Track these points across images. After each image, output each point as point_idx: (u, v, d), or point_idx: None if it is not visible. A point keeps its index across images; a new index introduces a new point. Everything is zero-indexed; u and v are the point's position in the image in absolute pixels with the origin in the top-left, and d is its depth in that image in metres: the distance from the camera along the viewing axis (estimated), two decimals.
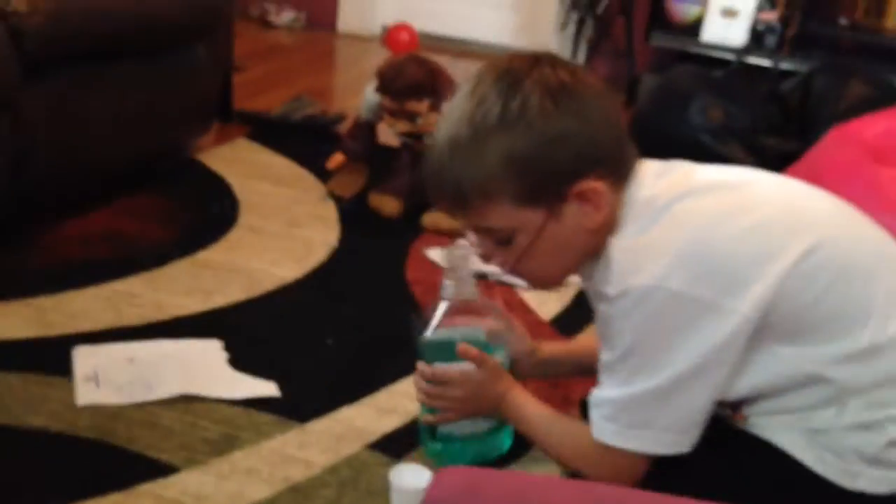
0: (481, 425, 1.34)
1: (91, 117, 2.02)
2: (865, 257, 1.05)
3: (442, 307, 1.29)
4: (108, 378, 1.51)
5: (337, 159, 2.41)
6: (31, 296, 1.72)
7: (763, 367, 1.03)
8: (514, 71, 1.05)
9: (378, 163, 2.37)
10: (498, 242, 1.11)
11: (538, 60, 1.06)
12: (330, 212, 2.27)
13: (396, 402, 1.52)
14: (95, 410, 1.42)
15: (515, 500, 0.84)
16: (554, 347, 1.45)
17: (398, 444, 1.41)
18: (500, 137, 1.03)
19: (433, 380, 1.29)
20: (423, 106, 2.18)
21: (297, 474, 1.34)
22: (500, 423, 1.34)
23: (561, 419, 1.21)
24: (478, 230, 1.12)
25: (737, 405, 1.09)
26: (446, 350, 1.27)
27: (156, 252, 1.96)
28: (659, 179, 1.08)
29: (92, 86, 2.02)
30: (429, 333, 1.30)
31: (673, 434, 1.05)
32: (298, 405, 1.49)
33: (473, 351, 1.25)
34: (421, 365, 1.30)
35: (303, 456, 1.38)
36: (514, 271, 1.14)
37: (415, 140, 2.23)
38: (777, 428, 1.06)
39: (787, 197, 1.10)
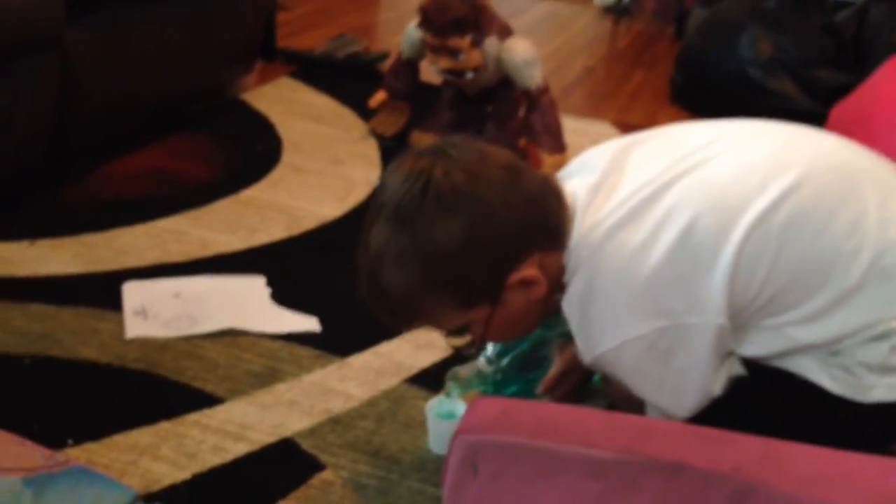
0: None
1: (135, 56, 2.05)
2: (820, 201, 1.01)
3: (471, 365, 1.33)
4: (156, 312, 1.55)
5: (379, 97, 2.40)
6: (80, 233, 1.77)
7: (757, 341, 1.04)
8: (412, 194, 1.00)
9: (420, 101, 2.36)
10: (455, 333, 1.12)
11: (434, 164, 1.01)
12: (372, 150, 2.28)
13: (433, 338, 1.54)
14: (143, 343, 1.47)
15: (547, 429, 0.86)
16: None
17: (435, 378, 1.44)
18: (416, 268, 1.01)
19: (550, 389, 1.30)
20: (465, 42, 2.15)
21: (337, 406, 1.37)
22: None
23: None
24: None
25: None
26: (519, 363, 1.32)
27: (200, 190, 1.99)
28: (588, 213, 1.04)
29: (136, 25, 2.04)
30: (484, 364, 1.32)
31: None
32: (339, 340, 1.52)
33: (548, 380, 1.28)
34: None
35: (343, 389, 1.41)
36: (480, 347, 1.17)
37: (457, 77, 2.21)
38: (789, 359, 1.06)
39: (718, 176, 1.03)
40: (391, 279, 1.02)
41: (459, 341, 1.19)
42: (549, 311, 1.13)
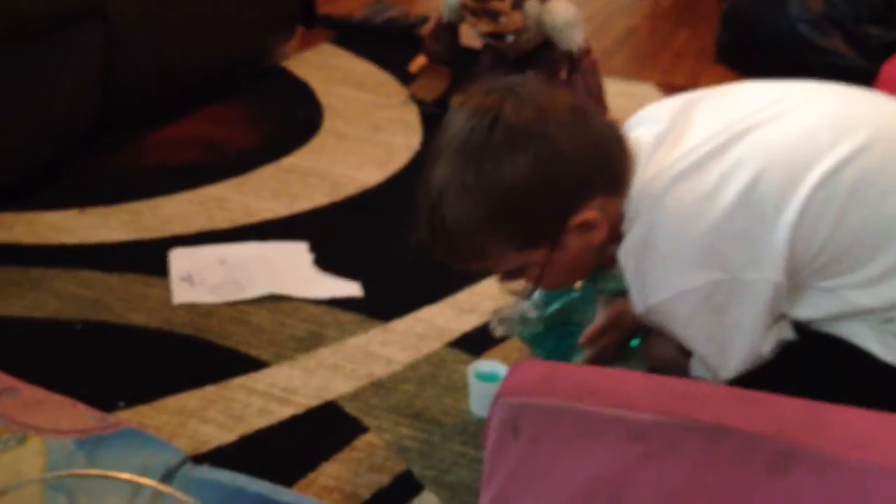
0: None
1: (178, 24, 2.06)
2: (888, 163, 0.99)
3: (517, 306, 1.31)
4: (202, 278, 1.58)
5: (419, 62, 2.39)
6: (128, 201, 1.80)
7: (812, 303, 1.03)
8: (480, 128, 1.00)
9: (461, 65, 2.34)
10: (510, 276, 1.12)
11: (502, 103, 1.01)
12: (412, 115, 2.27)
13: (475, 302, 1.55)
14: (190, 308, 1.50)
15: (587, 392, 0.86)
16: None
17: (476, 342, 1.45)
18: (481, 200, 1.01)
19: (592, 340, 1.29)
20: (505, 4, 2.13)
21: (380, 370, 1.38)
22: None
23: None
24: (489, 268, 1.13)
25: None
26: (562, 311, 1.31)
27: (243, 157, 2.01)
28: (651, 161, 1.03)
29: None
30: (530, 309, 1.31)
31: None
32: (381, 305, 1.53)
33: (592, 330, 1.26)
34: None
35: (385, 353, 1.42)
36: (533, 291, 1.16)
37: (498, 40, 2.19)
38: (841, 324, 1.04)
39: (786, 132, 1.02)
40: (454, 215, 1.02)
41: (515, 286, 1.19)
42: (602, 262, 1.12)
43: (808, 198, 0.97)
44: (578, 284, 1.30)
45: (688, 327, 1.06)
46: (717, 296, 1.01)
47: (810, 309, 1.04)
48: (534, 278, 1.09)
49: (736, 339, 1.04)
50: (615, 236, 1.07)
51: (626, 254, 1.05)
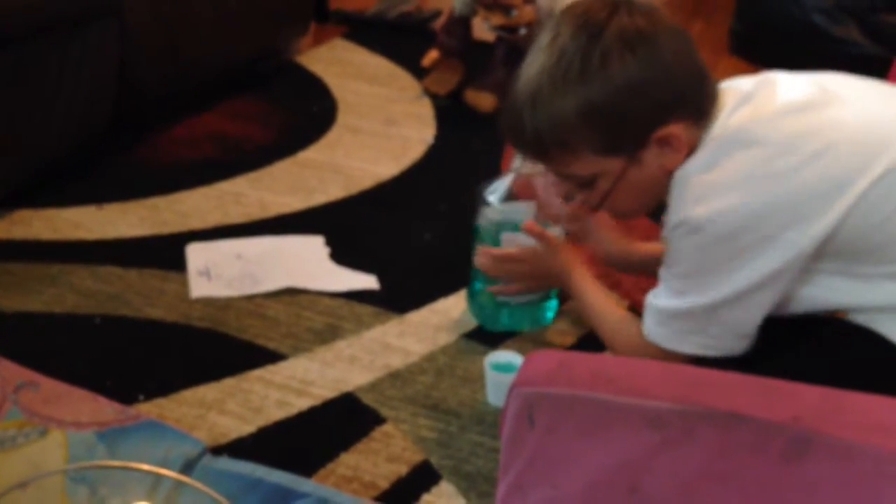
0: (532, 296, 1.42)
1: (193, 21, 2.07)
2: None
3: (507, 179, 1.37)
4: (219, 272, 1.59)
5: (432, 56, 2.39)
6: (145, 196, 1.81)
7: (824, 289, 1.03)
8: (593, 22, 1.03)
9: (473, 59, 2.34)
10: (579, 186, 1.11)
11: (616, 7, 1.03)
12: (426, 109, 2.28)
13: None
14: (208, 302, 1.51)
15: (602, 380, 0.86)
16: (623, 246, 1.44)
17: (492, 334, 1.45)
18: (580, 90, 1.02)
19: (500, 259, 1.36)
20: None
21: (397, 362, 1.39)
22: (546, 295, 1.44)
23: (618, 310, 1.23)
24: (558, 174, 1.12)
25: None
26: (506, 225, 1.37)
27: (258, 152, 2.02)
28: (737, 111, 1.04)
29: None
30: (493, 200, 1.37)
31: (722, 341, 1.06)
32: (397, 297, 1.54)
33: (537, 227, 1.31)
34: (483, 247, 1.39)
35: (401, 345, 1.43)
36: (595, 210, 1.15)
37: (510, 33, 2.19)
38: (878, 318, 1.04)
39: (867, 112, 1.03)
40: (549, 104, 1.03)
41: (574, 205, 1.20)
42: (660, 198, 1.11)
43: (878, 177, 0.97)
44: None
45: (689, 256, 1.04)
46: (744, 238, 0.99)
47: (846, 295, 1.03)
48: (602, 190, 1.08)
49: (729, 283, 1.02)
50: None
51: (684, 171, 1.04)
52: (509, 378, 1.24)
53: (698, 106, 1.05)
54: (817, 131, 1.00)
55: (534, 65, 1.05)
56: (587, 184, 1.09)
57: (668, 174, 1.06)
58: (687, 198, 1.03)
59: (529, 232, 1.32)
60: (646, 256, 1.38)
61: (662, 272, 1.10)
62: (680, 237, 1.04)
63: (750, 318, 1.04)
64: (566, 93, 1.02)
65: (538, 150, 1.09)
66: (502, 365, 1.31)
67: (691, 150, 1.05)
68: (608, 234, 1.39)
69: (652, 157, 1.05)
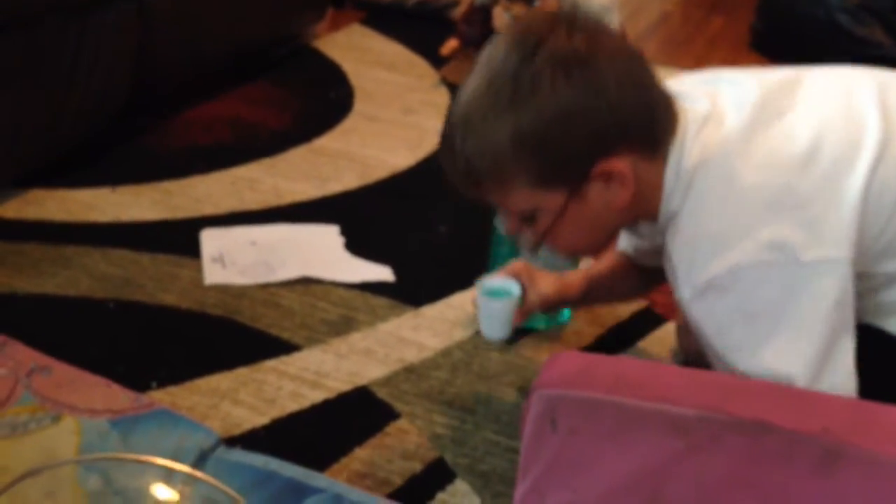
0: None
1: (210, 4, 2.05)
2: None
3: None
4: (233, 259, 1.58)
5: (451, 45, 2.37)
6: (159, 180, 1.80)
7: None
8: (528, 41, 0.94)
9: None
10: (521, 221, 1.03)
11: (555, 24, 0.95)
12: (443, 98, 2.26)
13: None
14: (222, 290, 1.50)
15: (626, 385, 0.85)
16: (579, 280, 1.31)
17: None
18: (510, 117, 0.94)
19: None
20: None
21: (412, 356, 1.38)
22: None
23: None
24: (499, 209, 1.05)
25: None
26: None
27: (274, 138, 2.00)
28: (700, 134, 0.97)
29: None
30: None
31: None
32: (412, 290, 1.53)
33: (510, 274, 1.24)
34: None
35: (417, 339, 1.42)
36: (535, 248, 1.07)
37: None
38: (889, 318, 1.02)
39: (839, 103, 0.98)
40: (479, 132, 0.96)
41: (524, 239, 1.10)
42: (615, 235, 1.06)
43: (876, 159, 0.92)
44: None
45: (744, 313, 0.95)
46: (770, 284, 0.91)
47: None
48: (544, 226, 1.00)
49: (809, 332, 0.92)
50: (643, 208, 1.00)
51: (682, 223, 0.97)
52: (503, 305, 1.19)
53: (649, 138, 0.97)
54: (799, 122, 0.96)
55: (468, 86, 0.97)
56: (528, 219, 1.02)
57: (619, 211, 0.99)
58: (703, 258, 0.94)
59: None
60: (584, 285, 1.28)
61: (726, 353, 0.97)
62: (723, 294, 0.94)
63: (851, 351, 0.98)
64: (497, 119, 0.94)
65: (471, 181, 1.00)
66: (496, 290, 1.22)
67: (648, 187, 0.98)
68: (539, 281, 1.26)
69: (596, 193, 0.98)
